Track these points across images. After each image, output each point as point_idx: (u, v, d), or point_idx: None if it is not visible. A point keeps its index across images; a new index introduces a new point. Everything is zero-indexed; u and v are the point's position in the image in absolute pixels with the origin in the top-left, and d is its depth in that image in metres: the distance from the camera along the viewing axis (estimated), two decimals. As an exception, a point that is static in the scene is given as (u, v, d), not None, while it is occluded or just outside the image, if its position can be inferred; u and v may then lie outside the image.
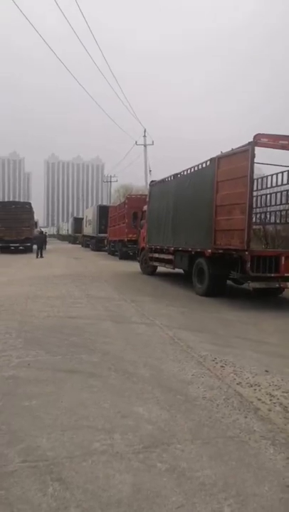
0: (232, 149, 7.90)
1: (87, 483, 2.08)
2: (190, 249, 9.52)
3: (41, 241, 22.68)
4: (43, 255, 21.54)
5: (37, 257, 21.11)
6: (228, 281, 9.18)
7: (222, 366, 4.01)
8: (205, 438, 2.57)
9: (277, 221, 10.29)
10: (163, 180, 12.07)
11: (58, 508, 1.89)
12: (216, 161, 8.27)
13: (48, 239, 30.87)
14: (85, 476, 2.14)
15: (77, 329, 5.42)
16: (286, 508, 1.94)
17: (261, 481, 2.13)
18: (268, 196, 10.53)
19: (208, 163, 8.76)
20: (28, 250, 25.76)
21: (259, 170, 13.32)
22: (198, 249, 9.02)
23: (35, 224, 33.99)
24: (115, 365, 3.96)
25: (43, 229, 37.60)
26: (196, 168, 9.46)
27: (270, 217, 10.59)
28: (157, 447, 2.44)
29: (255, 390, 3.41)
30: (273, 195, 10.36)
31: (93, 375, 3.69)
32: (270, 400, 3.19)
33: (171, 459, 2.31)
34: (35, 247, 23.36)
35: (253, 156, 7.11)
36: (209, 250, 8.40)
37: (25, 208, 26.04)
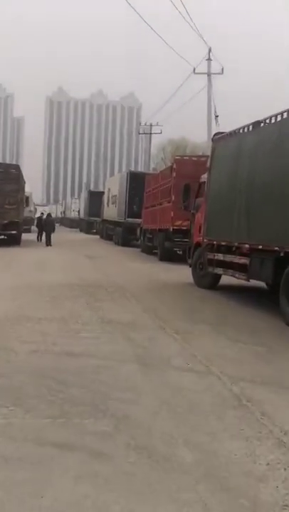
0: None
1: None
2: (277, 248, 6.70)
3: (51, 227, 19.74)
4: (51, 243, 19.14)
5: (47, 245, 19.01)
6: None
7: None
8: None
9: None
10: (235, 133, 8.34)
11: None
12: None
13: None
14: None
15: (81, 375, 4.04)
16: None
17: None
18: None
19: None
20: (13, 242, 17.53)
21: None
22: None
23: (27, 200, 25.22)
24: (137, 440, 2.69)
25: (44, 208, 35.59)
26: None
27: None
28: None
29: None
30: None
31: (100, 454, 2.47)
32: None
33: None
34: (43, 237, 20.17)
35: None
36: None
37: (11, 175, 16.86)
